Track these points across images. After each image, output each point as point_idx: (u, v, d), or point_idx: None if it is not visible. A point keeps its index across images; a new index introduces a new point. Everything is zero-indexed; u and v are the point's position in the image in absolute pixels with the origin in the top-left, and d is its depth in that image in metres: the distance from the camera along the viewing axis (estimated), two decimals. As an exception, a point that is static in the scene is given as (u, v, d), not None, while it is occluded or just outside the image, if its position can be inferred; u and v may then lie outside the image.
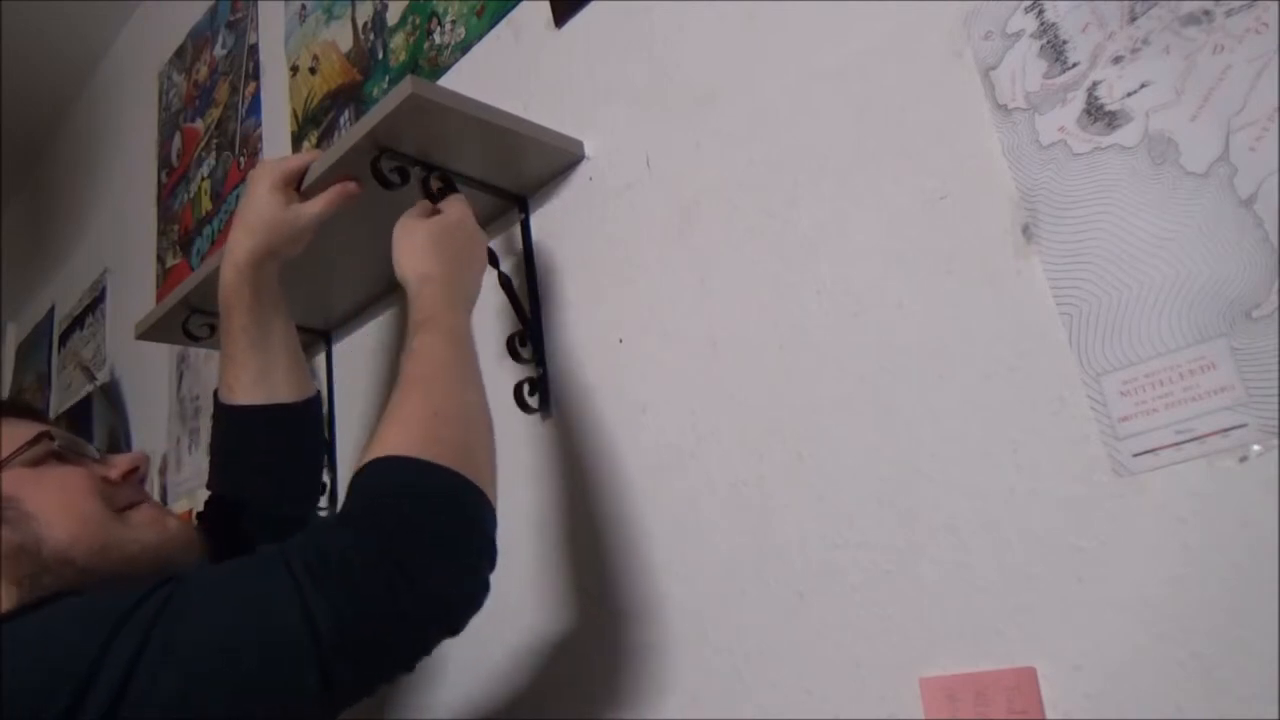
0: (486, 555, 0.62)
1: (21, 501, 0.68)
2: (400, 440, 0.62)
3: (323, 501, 1.22)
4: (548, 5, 1.03)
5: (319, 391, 0.96)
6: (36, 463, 0.71)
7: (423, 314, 0.73)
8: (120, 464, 0.76)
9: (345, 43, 1.39)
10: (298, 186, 0.90)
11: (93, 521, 0.69)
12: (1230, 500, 0.53)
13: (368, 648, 0.55)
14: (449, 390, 0.68)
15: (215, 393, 0.91)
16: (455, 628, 0.60)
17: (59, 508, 0.69)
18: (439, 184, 0.90)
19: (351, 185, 0.88)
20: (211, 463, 0.92)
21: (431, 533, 0.59)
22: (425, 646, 0.59)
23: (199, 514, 0.91)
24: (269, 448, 0.89)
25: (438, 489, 0.61)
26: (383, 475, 0.61)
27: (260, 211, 0.87)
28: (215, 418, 0.91)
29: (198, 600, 0.55)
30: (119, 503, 0.73)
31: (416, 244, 0.78)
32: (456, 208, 0.84)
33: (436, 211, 0.84)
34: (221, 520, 0.88)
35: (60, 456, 0.73)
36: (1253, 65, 0.55)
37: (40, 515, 0.68)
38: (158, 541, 0.72)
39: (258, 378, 0.88)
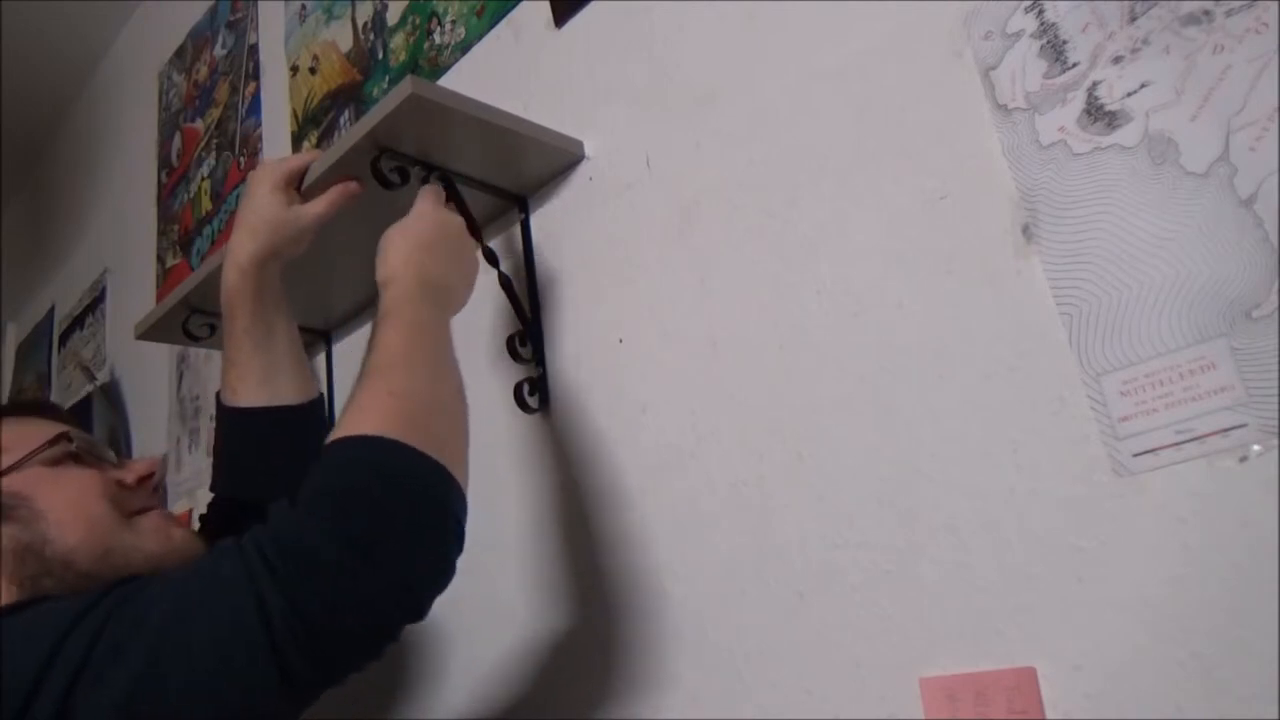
0: (451, 535, 0.59)
1: (34, 501, 0.68)
2: (355, 424, 0.60)
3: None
4: (548, 5, 1.03)
5: (322, 393, 0.96)
6: (54, 463, 0.72)
7: (382, 310, 0.71)
8: (136, 469, 0.76)
9: (345, 43, 1.39)
10: (298, 187, 0.90)
11: (99, 525, 0.69)
12: (1230, 500, 0.53)
13: (327, 636, 0.53)
14: (408, 374, 0.66)
15: (217, 394, 0.91)
16: (419, 612, 0.58)
17: (69, 510, 0.69)
18: (438, 184, 0.89)
19: (353, 185, 0.88)
20: (214, 465, 0.92)
21: (389, 512, 0.56)
22: (389, 632, 0.57)
23: (201, 516, 0.91)
24: (272, 449, 0.89)
25: (396, 467, 0.58)
26: (337, 457, 0.59)
27: (262, 212, 0.87)
28: (218, 419, 0.91)
29: (151, 598, 0.54)
30: (129, 508, 0.73)
31: (385, 249, 0.77)
32: (423, 201, 0.82)
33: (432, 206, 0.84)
34: (224, 522, 0.88)
35: (77, 458, 0.73)
36: (1253, 65, 0.55)
37: (50, 516, 0.68)
38: (160, 551, 0.72)
39: (261, 379, 0.88)
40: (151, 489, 0.77)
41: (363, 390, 0.63)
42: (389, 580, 0.55)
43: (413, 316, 0.71)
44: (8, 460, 0.70)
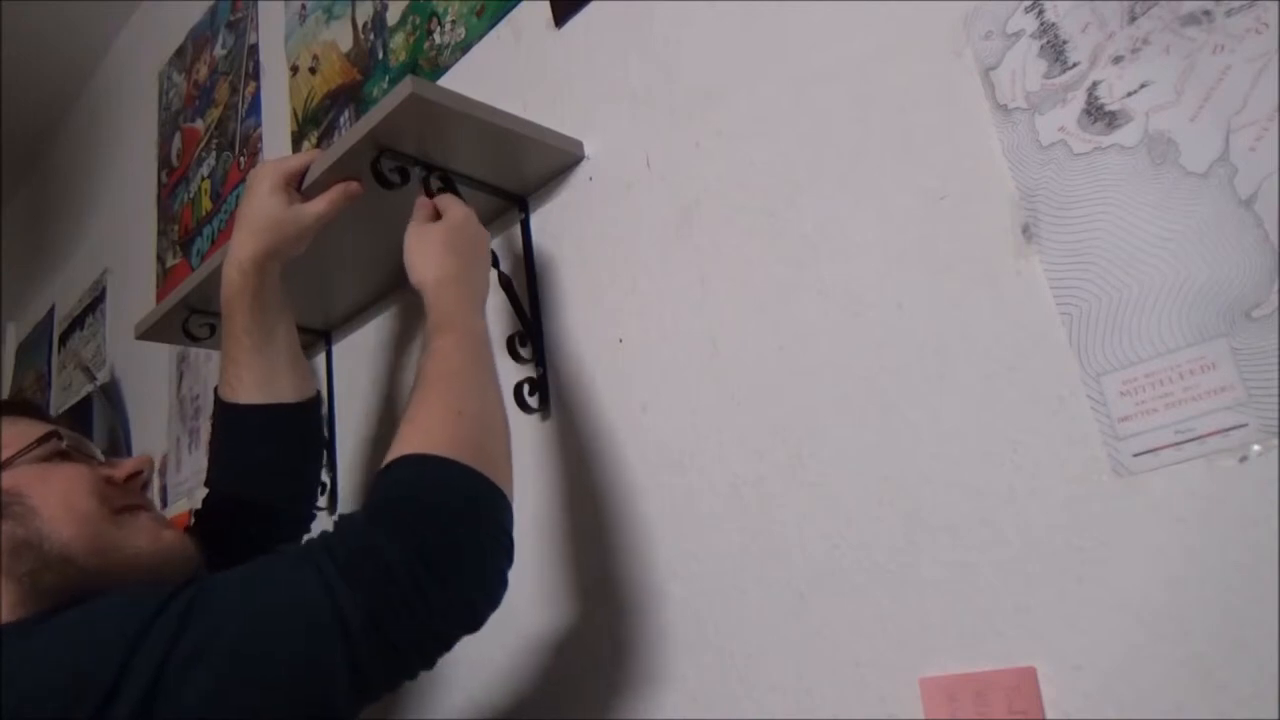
0: (508, 554, 0.64)
1: (27, 497, 0.68)
2: (424, 440, 0.63)
3: (322, 501, 1.22)
4: (548, 5, 1.03)
5: (319, 392, 0.96)
6: (44, 460, 0.72)
7: (442, 316, 0.74)
8: (125, 466, 0.76)
9: (345, 43, 1.39)
10: (299, 186, 0.90)
11: (90, 521, 0.69)
12: (1230, 500, 0.53)
13: (397, 647, 0.56)
14: (469, 390, 0.69)
15: (216, 391, 0.91)
16: (478, 624, 0.61)
17: (61, 505, 0.69)
18: (439, 184, 0.90)
19: (354, 185, 0.89)
20: (211, 461, 0.92)
21: (459, 534, 0.60)
22: (449, 644, 0.60)
23: (196, 512, 0.91)
24: (270, 448, 0.90)
25: (463, 490, 0.62)
26: (408, 474, 0.62)
27: (262, 211, 0.87)
28: (215, 417, 0.92)
29: (228, 599, 0.56)
30: (117, 504, 0.73)
31: (430, 249, 0.79)
32: (458, 209, 0.85)
33: (438, 212, 0.85)
34: (219, 519, 0.88)
35: (66, 456, 0.73)
36: (1253, 65, 0.55)
37: (43, 511, 0.68)
38: (150, 550, 0.72)
39: (260, 378, 0.88)
40: (140, 487, 0.77)
41: (428, 404, 0.67)
42: (456, 595, 0.59)
43: (469, 327, 0.74)
44: (1, 457, 0.70)
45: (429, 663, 0.60)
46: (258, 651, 0.53)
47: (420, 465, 0.62)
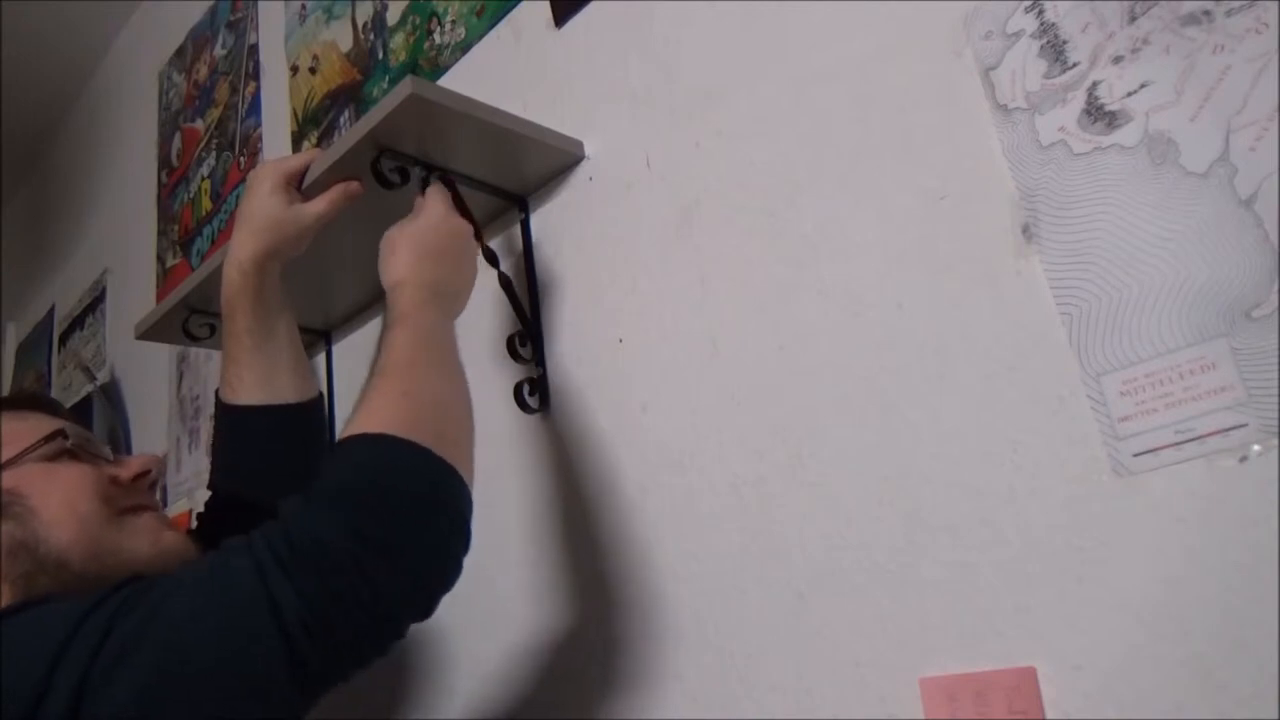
0: (458, 534, 0.60)
1: (27, 498, 0.68)
2: (369, 422, 0.61)
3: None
4: (548, 5, 1.03)
5: (321, 393, 0.96)
6: (50, 459, 0.71)
7: (393, 316, 0.73)
8: (132, 465, 0.75)
9: (345, 43, 1.39)
10: (299, 186, 0.90)
11: (90, 523, 0.69)
12: (1230, 500, 0.53)
13: (337, 633, 0.53)
14: (419, 376, 0.67)
15: (217, 392, 0.91)
16: (427, 609, 0.58)
17: (61, 507, 0.68)
18: (444, 187, 0.89)
19: (354, 185, 0.88)
20: (213, 463, 0.92)
21: (404, 514, 0.57)
22: (397, 630, 0.57)
23: (199, 514, 0.91)
24: (272, 448, 0.89)
25: (409, 468, 0.59)
26: (350, 454, 0.60)
27: (263, 211, 0.87)
28: (217, 418, 0.91)
29: (158, 595, 0.54)
30: (121, 505, 0.72)
31: (393, 251, 0.78)
32: (431, 206, 0.83)
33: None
34: (222, 521, 0.88)
35: (73, 454, 0.73)
36: (1253, 65, 0.55)
37: (42, 513, 0.67)
38: (150, 553, 0.71)
39: (261, 378, 0.88)
40: (148, 487, 0.77)
41: (374, 390, 0.64)
42: (399, 576, 0.55)
43: (423, 322, 0.72)
44: (4, 455, 0.69)
45: (380, 649, 0.57)
46: (187, 644, 0.51)
47: (359, 444, 0.60)
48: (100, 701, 0.49)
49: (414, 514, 0.57)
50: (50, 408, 0.78)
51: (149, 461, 0.76)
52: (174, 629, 0.52)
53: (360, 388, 0.67)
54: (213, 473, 0.92)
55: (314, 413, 0.94)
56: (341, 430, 0.62)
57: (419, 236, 0.79)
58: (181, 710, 0.50)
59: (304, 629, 0.52)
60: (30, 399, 0.78)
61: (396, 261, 0.77)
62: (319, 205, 0.88)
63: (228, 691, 0.51)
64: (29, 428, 0.72)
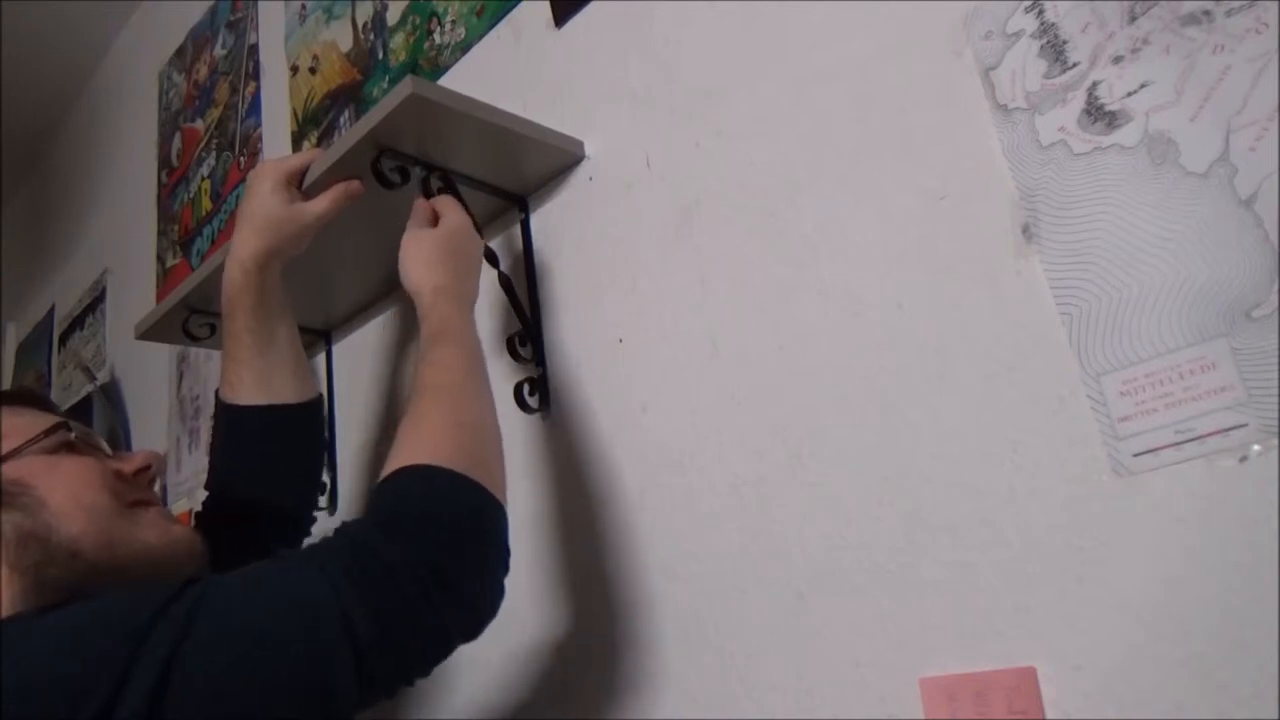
0: (505, 565, 0.65)
1: (35, 488, 0.67)
2: (425, 449, 0.64)
3: (321, 501, 1.22)
4: (548, 5, 1.03)
5: (321, 394, 0.96)
6: (51, 452, 0.71)
7: (439, 324, 0.75)
8: (134, 460, 0.76)
9: (345, 43, 1.39)
10: (299, 185, 0.90)
11: (100, 514, 0.69)
12: (1230, 500, 0.53)
13: (400, 651, 0.57)
14: (467, 400, 0.70)
15: (216, 392, 0.91)
16: (477, 633, 0.62)
17: (70, 498, 0.68)
18: (439, 184, 0.90)
19: (355, 184, 0.89)
20: (211, 462, 0.92)
21: (462, 545, 0.61)
22: (448, 650, 0.61)
23: (197, 514, 0.91)
24: (271, 449, 0.90)
25: (465, 502, 0.63)
26: (412, 485, 0.63)
27: (264, 211, 0.87)
28: (216, 418, 0.91)
29: (233, 599, 0.56)
30: (128, 499, 0.72)
31: (425, 255, 0.80)
32: (454, 214, 0.85)
33: (436, 216, 0.85)
34: (220, 520, 0.88)
35: (74, 448, 0.73)
36: (1253, 65, 0.55)
37: (51, 503, 0.67)
38: (160, 544, 0.72)
39: (261, 378, 0.88)
40: (148, 482, 0.77)
41: (427, 412, 0.68)
42: (460, 603, 0.60)
43: (465, 337, 0.76)
44: (6, 447, 0.69)
45: (427, 668, 0.60)
46: (264, 649, 0.53)
47: (424, 476, 0.63)
48: (179, 700, 0.50)
49: (469, 545, 0.62)
50: (46, 405, 0.77)
51: (150, 457, 0.77)
52: (250, 637, 0.54)
53: (409, 393, 0.71)
54: (211, 472, 0.92)
55: (314, 413, 0.94)
56: (398, 443, 0.65)
57: (449, 243, 0.82)
58: (255, 711, 0.52)
59: (374, 647, 0.55)
60: (27, 395, 0.78)
61: (431, 266, 0.79)
62: (320, 204, 0.88)
63: (296, 700, 0.54)
64: (28, 422, 0.71)
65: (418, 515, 0.61)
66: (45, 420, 0.72)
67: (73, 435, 0.73)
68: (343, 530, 0.60)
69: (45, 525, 0.66)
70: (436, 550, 0.59)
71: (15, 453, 0.69)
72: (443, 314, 0.76)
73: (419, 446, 0.64)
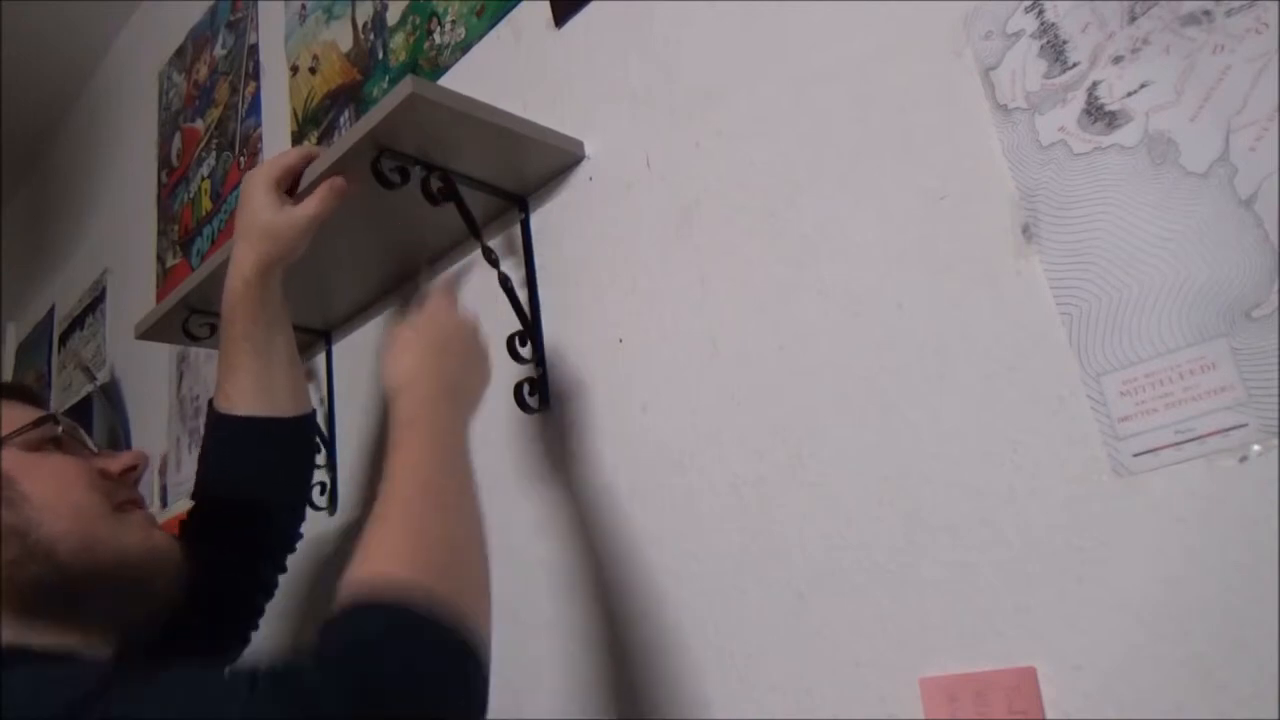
0: (471, 705, 0.56)
1: (17, 483, 0.66)
2: (384, 570, 0.56)
3: (322, 501, 1.22)
4: (548, 5, 1.03)
5: (314, 409, 0.95)
6: (35, 447, 0.70)
7: (404, 415, 0.68)
8: (121, 460, 0.74)
9: (345, 43, 1.39)
10: (291, 189, 0.89)
11: (87, 515, 0.68)
12: (1230, 500, 0.53)
13: None
14: (434, 507, 0.62)
15: (210, 401, 0.91)
16: None
17: (55, 495, 0.67)
18: (439, 184, 0.90)
19: (339, 181, 0.87)
20: (200, 472, 0.90)
21: (409, 690, 0.53)
22: None
23: (182, 521, 0.89)
24: (262, 460, 0.89)
25: (421, 645, 0.54)
26: (364, 620, 0.55)
27: (258, 221, 0.87)
28: (208, 426, 0.90)
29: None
30: (117, 499, 0.71)
31: (399, 349, 0.74)
32: (437, 300, 0.80)
33: (450, 296, 0.82)
34: (208, 531, 0.87)
35: (61, 444, 0.72)
36: (1253, 65, 0.55)
37: (35, 499, 0.66)
38: (141, 549, 0.70)
39: (257, 389, 0.88)
40: (133, 483, 0.75)
41: (387, 526, 0.60)
42: None
43: (438, 425, 0.68)
44: None
45: None
46: None
47: (377, 613, 0.54)
48: None
49: (420, 694, 0.53)
50: (34, 399, 0.76)
51: (136, 456, 0.75)
52: None
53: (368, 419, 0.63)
54: (200, 482, 0.90)
55: (306, 427, 0.93)
56: (354, 563, 0.57)
57: (422, 335, 0.75)
58: None
59: None
60: (16, 389, 0.77)
61: (400, 362, 0.72)
62: (310, 206, 0.87)
63: None
64: (17, 415, 0.71)
65: (359, 659, 0.52)
66: (32, 414, 0.71)
67: (60, 429, 0.72)
68: (287, 665, 0.53)
69: (26, 521, 0.65)
70: (379, 700, 0.51)
71: None
72: (408, 405, 0.68)
73: (373, 566, 0.56)
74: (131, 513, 0.72)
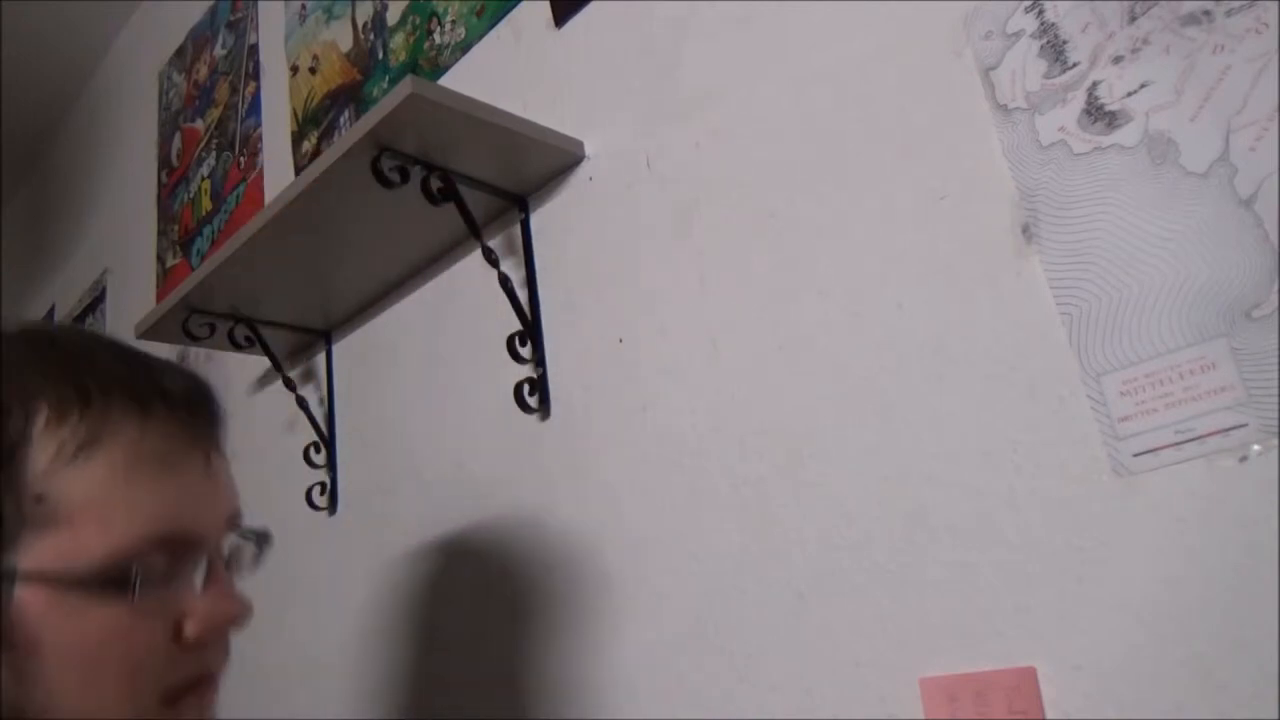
0: None
1: (17, 648, 0.42)
2: None
3: (322, 501, 1.22)
4: (548, 5, 1.03)
5: None
6: (98, 588, 0.43)
7: None
8: (219, 612, 0.48)
9: (345, 43, 1.39)
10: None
11: (114, 709, 0.44)
12: (1230, 500, 0.53)
13: None
14: None
15: None
16: None
17: (87, 681, 0.44)
18: (439, 184, 0.90)
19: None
20: None
21: None
22: None
23: None
24: None
25: None
26: None
27: None
28: None
29: None
30: (174, 678, 0.46)
31: None
32: None
33: None
34: None
35: (143, 584, 0.44)
36: (1253, 65, 0.55)
37: (45, 678, 0.43)
38: None
39: None
40: (223, 648, 0.50)
41: None
42: None
43: None
44: (100, 539, 0.43)
45: None
46: None
47: None
48: None
49: None
50: (214, 420, 0.50)
51: (241, 608, 0.49)
52: None
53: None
54: None
55: None
56: None
57: None
58: None
59: None
60: (185, 398, 0.49)
61: None
62: None
63: None
64: (149, 494, 0.44)
65: None
66: (170, 495, 0.45)
67: (163, 566, 0.45)
68: None
69: (14, 706, 0.42)
70: None
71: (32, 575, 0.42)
72: None
73: None
74: (186, 706, 0.47)
